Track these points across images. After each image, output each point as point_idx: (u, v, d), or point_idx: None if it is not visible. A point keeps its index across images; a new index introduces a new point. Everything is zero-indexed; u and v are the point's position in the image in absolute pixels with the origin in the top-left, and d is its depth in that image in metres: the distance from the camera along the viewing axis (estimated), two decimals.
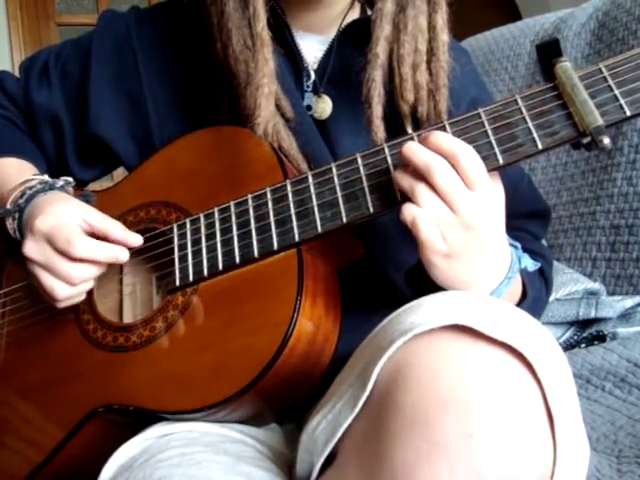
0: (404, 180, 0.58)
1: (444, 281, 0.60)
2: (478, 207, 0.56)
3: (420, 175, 0.56)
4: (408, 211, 0.57)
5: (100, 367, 0.69)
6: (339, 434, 0.50)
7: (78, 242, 0.66)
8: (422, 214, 0.56)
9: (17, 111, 0.86)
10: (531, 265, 0.71)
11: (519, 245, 0.79)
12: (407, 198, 0.59)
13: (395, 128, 0.70)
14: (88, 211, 0.70)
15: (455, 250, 0.57)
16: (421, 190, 0.56)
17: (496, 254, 0.61)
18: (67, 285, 0.67)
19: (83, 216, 0.69)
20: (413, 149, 0.57)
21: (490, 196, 0.57)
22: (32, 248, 0.67)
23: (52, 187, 0.74)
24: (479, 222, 0.57)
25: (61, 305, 0.69)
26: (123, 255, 0.69)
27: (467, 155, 0.56)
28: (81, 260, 0.67)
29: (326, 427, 0.52)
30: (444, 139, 0.57)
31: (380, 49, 0.69)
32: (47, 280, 0.67)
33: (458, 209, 0.56)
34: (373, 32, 0.69)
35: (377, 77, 0.69)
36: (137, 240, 0.71)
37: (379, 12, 0.69)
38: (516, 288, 0.71)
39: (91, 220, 0.69)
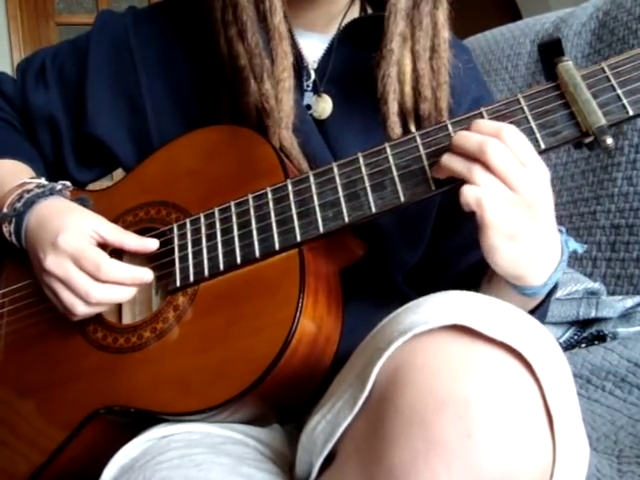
0: (458, 163, 0.57)
1: (506, 267, 0.60)
2: (534, 182, 0.56)
3: (474, 158, 0.56)
4: (470, 193, 0.56)
5: (101, 368, 0.68)
6: (338, 434, 0.50)
7: (105, 265, 0.66)
8: (486, 194, 0.56)
9: (14, 113, 0.86)
10: (579, 247, 0.72)
11: (564, 229, 0.79)
12: (414, 197, 0.59)
13: (401, 116, 0.70)
14: (99, 223, 0.70)
15: (518, 230, 0.57)
16: (478, 171, 0.56)
17: (552, 236, 0.61)
18: (85, 304, 0.67)
19: (95, 228, 0.69)
20: (464, 135, 0.57)
21: (542, 172, 0.57)
22: (54, 263, 0.67)
23: (52, 192, 0.74)
24: (537, 198, 0.57)
25: (75, 319, 0.69)
26: (147, 276, 0.68)
27: (512, 133, 0.56)
28: (106, 282, 0.67)
29: (325, 427, 0.52)
30: (486, 123, 0.57)
31: (395, 45, 0.69)
32: (67, 297, 0.67)
33: (516, 186, 0.56)
34: (387, 28, 0.69)
35: (392, 73, 0.69)
36: (154, 244, 0.71)
37: (393, 7, 0.69)
38: None
39: (103, 233, 0.69)
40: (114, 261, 0.68)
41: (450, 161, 0.58)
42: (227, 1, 0.70)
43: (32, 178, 0.77)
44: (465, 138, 0.57)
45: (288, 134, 0.70)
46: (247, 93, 0.70)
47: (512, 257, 0.58)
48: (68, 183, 0.77)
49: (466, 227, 0.80)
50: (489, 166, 0.55)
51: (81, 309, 0.67)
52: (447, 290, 0.52)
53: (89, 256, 0.66)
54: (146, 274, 0.68)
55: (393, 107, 0.69)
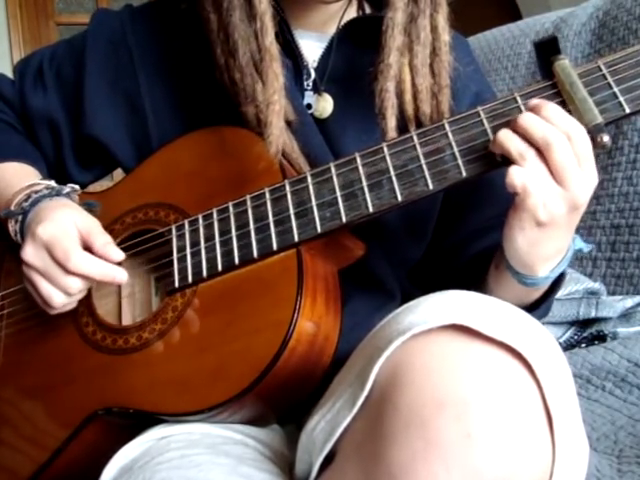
0: (514, 143, 0.57)
1: (522, 251, 0.60)
2: (585, 185, 0.57)
3: (532, 143, 0.56)
4: (518, 174, 0.56)
5: (99, 370, 0.68)
6: (337, 434, 0.50)
7: (75, 257, 0.65)
8: (534, 181, 0.56)
9: (14, 114, 0.85)
10: (585, 246, 0.72)
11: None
12: (411, 196, 0.58)
13: (398, 129, 0.70)
14: (82, 220, 0.70)
15: (551, 222, 0.58)
16: (532, 157, 0.56)
17: (571, 235, 0.62)
18: (64, 295, 0.67)
19: (77, 224, 0.69)
20: (531, 120, 0.57)
21: (594, 177, 0.58)
22: (31, 253, 0.67)
23: (59, 193, 0.74)
24: (583, 200, 0.57)
25: (54, 312, 0.69)
26: (120, 276, 0.68)
27: (581, 135, 0.56)
28: (75, 274, 0.66)
29: (325, 427, 0.52)
30: (560, 116, 0.57)
31: (393, 59, 0.68)
32: (44, 287, 0.67)
33: (568, 184, 0.56)
34: (385, 42, 0.69)
35: (390, 88, 0.69)
36: (118, 256, 0.69)
37: (390, 22, 0.68)
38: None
39: (81, 229, 0.69)
40: (85, 254, 0.67)
41: (507, 138, 0.58)
42: (220, 19, 0.69)
43: (42, 179, 0.77)
44: (533, 122, 0.56)
45: (287, 138, 0.70)
46: (243, 104, 0.69)
47: (532, 243, 0.59)
48: (77, 187, 0.77)
49: (470, 218, 0.79)
50: (548, 159, 0.56)
51: (58, 299, 0.66)
52: (452, 284, 0.52)
53: (61, 244, 0.66)
54: (119, 274, 0.68)
55: (391, 122, 0.69)
